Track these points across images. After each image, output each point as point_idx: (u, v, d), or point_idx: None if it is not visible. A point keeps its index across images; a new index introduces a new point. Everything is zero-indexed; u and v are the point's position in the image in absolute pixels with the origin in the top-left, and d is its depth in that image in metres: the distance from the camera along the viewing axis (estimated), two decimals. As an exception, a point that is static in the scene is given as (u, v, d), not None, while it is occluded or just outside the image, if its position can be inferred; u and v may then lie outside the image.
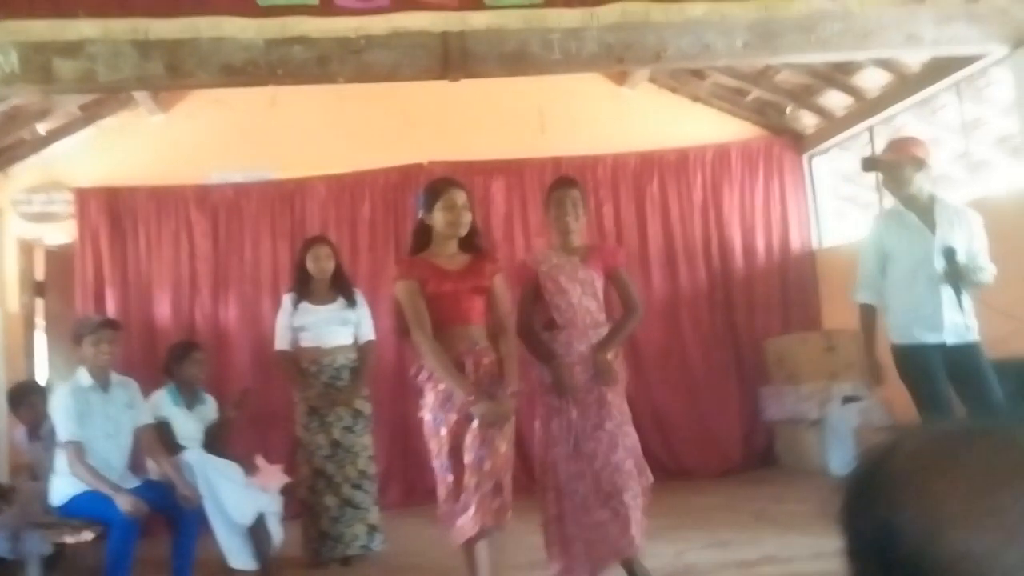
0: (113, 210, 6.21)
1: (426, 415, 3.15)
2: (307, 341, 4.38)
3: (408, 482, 6.02)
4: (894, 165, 3.63)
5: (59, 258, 6.38)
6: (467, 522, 2.99)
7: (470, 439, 3.02)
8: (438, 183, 3.29)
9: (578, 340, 3.39)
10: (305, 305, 4.41)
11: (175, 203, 6.30)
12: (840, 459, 5.63)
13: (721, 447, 6.44)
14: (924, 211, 3.63)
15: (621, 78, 6.66)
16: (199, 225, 6.30)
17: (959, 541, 0.56)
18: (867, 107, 6.09)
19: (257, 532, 4.02)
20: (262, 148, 6.34)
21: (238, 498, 3.96)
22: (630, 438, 3.39)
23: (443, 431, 3.08)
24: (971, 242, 3.59)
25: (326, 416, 4.28)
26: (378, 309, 5.37)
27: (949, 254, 3.51)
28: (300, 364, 4.38)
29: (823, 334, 6.48)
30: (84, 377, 3.86)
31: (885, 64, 5.56)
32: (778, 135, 6.86)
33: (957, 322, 3.56)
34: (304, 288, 4.45)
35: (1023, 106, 4.41)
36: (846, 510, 0.65)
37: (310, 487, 4.29)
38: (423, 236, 3.24)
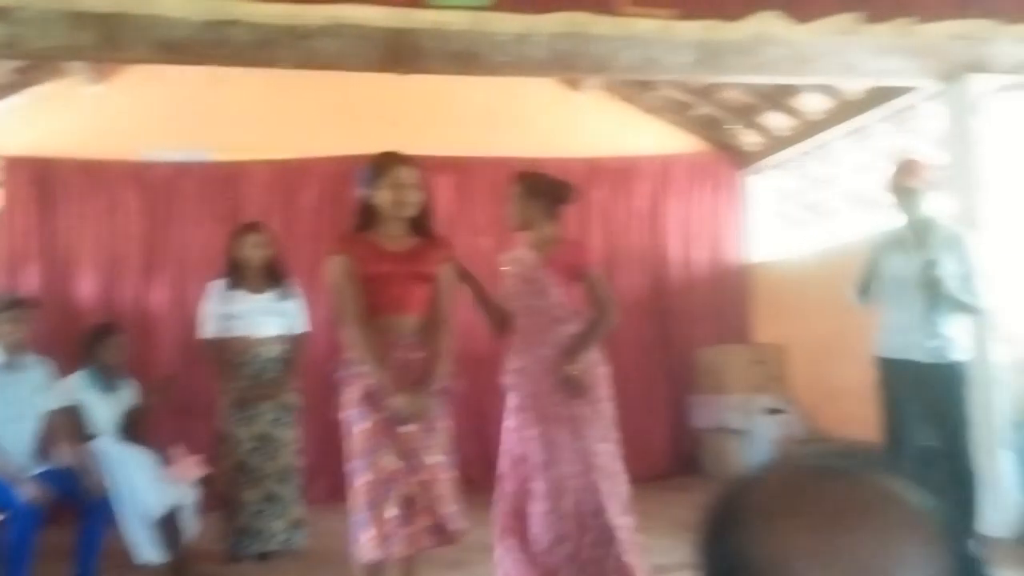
0: (41, 181, 5.98)
1: (345, 414, 2.91)
2: (236, 330, 4.25)
3: (337, 476, 5.94)
4: (917, 191, 3.75)
5: (-19, 228, 6.12)
6: (377, 539, 2.73)
7: (398, 446, 2.80)
8: (384, 158, 2.97)
9: (539, 344, 3.24)
10: (236, 293, 4.28)
11: (107, 178, 6.10)
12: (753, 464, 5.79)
13: (648, 453, 6.53)
14: (922, 234, 3.76)
15: (573, 83, 6.70)
16: (131, 203, 6.11)
17: None
18: (806, 129, 6.26)
19: (169, 525, 3.92)
20: (203, 127, 6.18)
21: (150, 489, 3.85)
22: (601, 457, 3.20)
23: (360, 427, 2.83)
24: (961, 266, 3.66)
25: (252, 408, 4.18)
26: (316, 300, 5.29)
27: (928, 265, 3.61)
28: (227, 354, 4.27)
29: (752, 347, 6.65)
30: (-7, 356, 3.72)
31: (825, 89, 5.72)
32: (721, 151, 7.00)
33: (933, 341, 3.65)
34: (236, 275, 4.33)
35: (950, 140, 4.58)
36: (703, 538, 0.66)
37: (231, 481, 4.19)
38: (367, 216, 2.96)
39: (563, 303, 3.31)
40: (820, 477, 0.63)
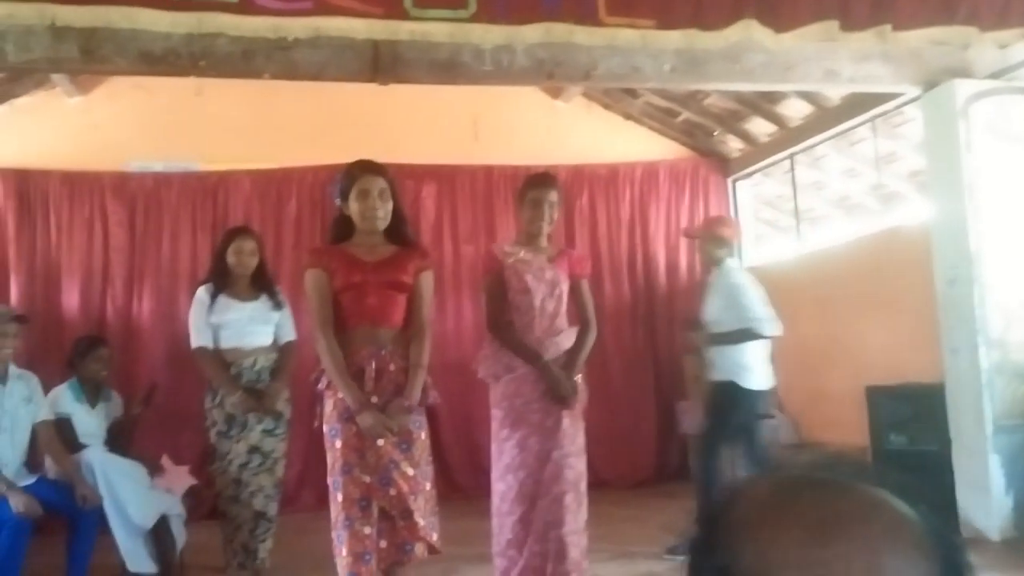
0: (23, 193, 5.96)
1: (324, 426, 2.87)
2: (226, 341, 3.98)
3: (323, 487, 5.92)
4: (700, 239, 4.44)
5: (-37, 240, 6.07)
6: (353, 556, 2.72)
7: (373, 460, 2.77)
8: (353, 168, 2.92)
9: (536, 348, 3.18)
10: (224, 300, 4.01)
11: (90, 190, 6.08)
12: (748, 474, 5.82)
13: (636, 459, 6.55)
14: (714, 280, 4.39)
15: (556, 91, 6.72)
16: (115, 214, 6.09)
17: None
18: (789, 136, 6.30)
19: (160, 535, 3.89)
20: (186, 137, 6.17)
21: (140, 500, 3.82)
22: (574, 471, 3.18)
23: (338, 444, 2.79)
24: (728, 303, 4.23)
25: (247, 423, 3.90)
26: (300, 309, 5.26)
27: (692, 326, 4.42)
28: (219, 364, 3.95)
29: (739, 352, 6.66)
30: (-20, 368, 3.70)
31: (807, 96, 5.75)
32: (705, 157, 7.03)
33: (715, 364, 4.29)
34: (221, 282, 4.06)
35: (931, 145, 4.61)
36: (694, 550, 0.67)
37: (228, 498, 3.94)
38: (343, 227, 2.94)
39: (564, 313, 3.29)
40: (805, 488, 0.63)
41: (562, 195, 3.39)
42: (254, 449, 3.94)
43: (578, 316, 3.38)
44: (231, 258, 4.07)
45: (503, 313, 3.25)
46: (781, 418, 6.19)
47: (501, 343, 3.21)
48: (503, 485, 3.22)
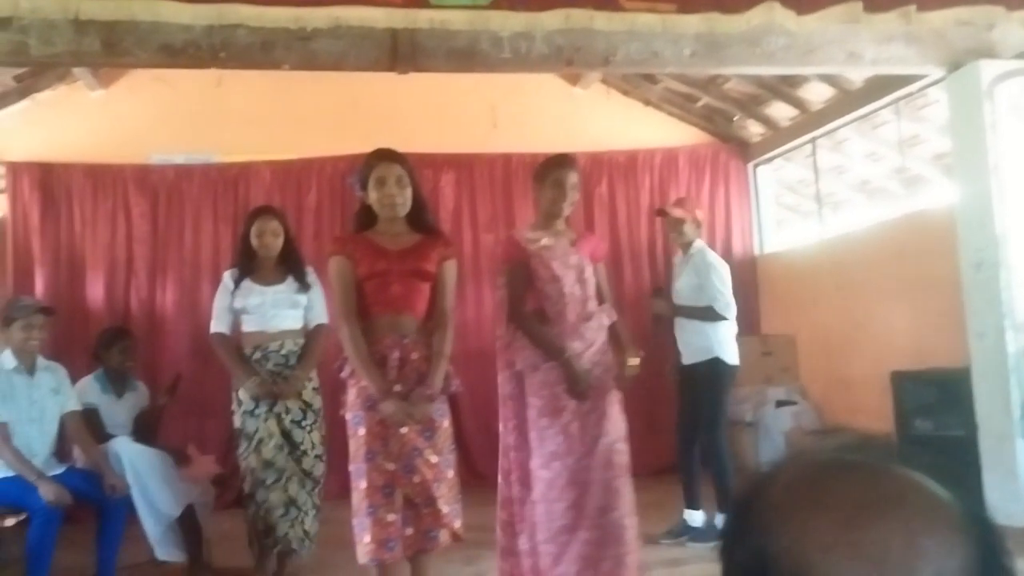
0: (47, 186, 6.04)
1: (347, 414, 2.91)
2: (250, 325, 3.86)
3: (344, 473, 5.95)
4: (679, 220, 4.47)
5: (-11, 234, 6.16)
6: (377, 543, 2.75)
7: (397, 447, 2.79)
8: (370, 157, 2.94)
9: (571, 336, 3.11)
10: (248, 284, 3.89)
11: (113, 182, 6.14)
12: (771, 460, 5.80)
13: (658, 445, 6.52)
14: (686, 258, 4.50)
15: (574, 78, 6.69)
16: (137, 206, 6.15)
17: (829, 572, 0.57)
18: (811, 120, 6.23)
19: (186, 523, 3.93)
20: (206, 129, 6.22)
21: (167, 489, 3.86)
22: (622, 455, 3.15)
23: (361, 431, 2.81)
24: (700, 282, 4.36)
25: (273, 405, 3.77)
26: (325, 297, 5.28)
27: (655, 294, 4.73)
28: (241, 349, 3.86)
29: (760, 339, 6.63)
30: (8, 359, 3.74)
31: (829, 79, 5.68)
32: (725, 142, 6.98)
33: (688, 346, 4.40)
34: (247, 265, 3.93)
35: (956, 127, 4.54)
36: (726, 535, 0.66)
37: (253, 481, 3.80)
38: (366, 217, 2.97)
39: (595, 296, 3.24)
40: (840, 470, 0.63)
41: (581, 177, 3.34)
42: (287, 435, 3.82)
43: (597, 300, 3.32)
44: (254, 240, 3.93)
45: (524, 302, 3.20)
46: (803, 404, 6.16)
47: (523, 335, 3.15)
48: (548, 473, 3.13)
